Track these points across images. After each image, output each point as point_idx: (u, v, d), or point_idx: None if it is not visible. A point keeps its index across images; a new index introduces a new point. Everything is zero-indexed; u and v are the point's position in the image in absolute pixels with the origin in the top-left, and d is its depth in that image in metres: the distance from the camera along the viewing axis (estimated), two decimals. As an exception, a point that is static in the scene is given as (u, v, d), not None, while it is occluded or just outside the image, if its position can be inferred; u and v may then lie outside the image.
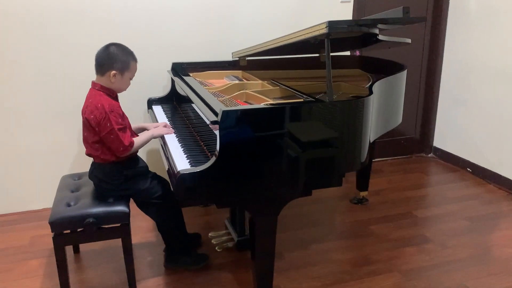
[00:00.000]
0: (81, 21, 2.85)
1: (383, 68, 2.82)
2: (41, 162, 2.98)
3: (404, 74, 2.64)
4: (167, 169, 1.92)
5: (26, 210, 3.03)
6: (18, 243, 2.63)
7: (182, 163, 1.83)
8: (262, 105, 1.84)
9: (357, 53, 3.48)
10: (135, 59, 2.09)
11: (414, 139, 4.11)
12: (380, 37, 2.08)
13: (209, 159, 1.82)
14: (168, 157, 1.97)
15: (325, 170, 1.85)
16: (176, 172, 1.71)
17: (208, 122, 1.87)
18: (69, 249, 2.45)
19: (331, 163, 1.84)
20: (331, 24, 1.69)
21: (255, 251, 1.91)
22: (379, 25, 1.98)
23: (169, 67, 2.96)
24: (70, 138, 2.96)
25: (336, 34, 1.92)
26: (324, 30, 1.71)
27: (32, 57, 2.81)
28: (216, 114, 1.74)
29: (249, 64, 2.99)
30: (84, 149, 2.11)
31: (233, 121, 1.65)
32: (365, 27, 1.86)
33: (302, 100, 2.04)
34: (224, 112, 1.64)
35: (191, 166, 1.80)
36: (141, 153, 3.13)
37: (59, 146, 2.98)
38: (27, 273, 2.34)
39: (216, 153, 1.66)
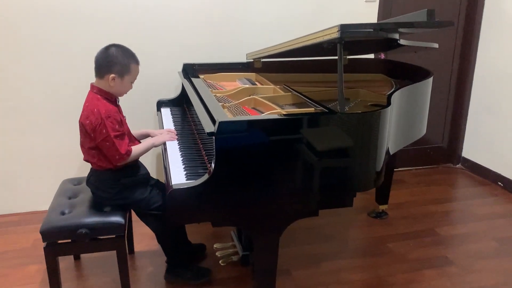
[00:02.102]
0: (88, 21, 2.76)
1: (408, 74, 2.61)
2: (45, 164, 2.92)
3: (429, 81, 2.42)
4: (164, 179, 1.80)
5: (29, 211, 2.98)
6: (20, 246, 2.57)
7: (178, 176, 1.70)
8: (263, 116, 1.68)
9: (382, 56, 3.26)
10: (136, 62, 1.96)
11: (441, 148, 3.86)
12: (402, 41, 1.89)
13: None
14: (166, 167, 1.85)
15: (332, 190, 1.67)
16: (169, 185, 1.58)
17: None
18: (69, 256, 2.38)
19: (339, 182, 1.67)
20: (343, 28, 1.52)
21: (255, 269, 1.77)
22: (401, 29, 1.78)
23: (181, 68, 2.84)
24: (75, 140, 2.85)
25: (352, 38, 1.74)
26: (336, 35, 1.54)
27: (34, 58, 2.74)
28: (215, 124, 1.60)
29: (264, 66, 2.84)
30: (87, 152, 2.01)
31: (231, 133, 1.51)
32: (383, 31, 1.67)
33: (312, 109, 1.87)
34: (221, 123, 1.49)
35: (187, 179, 1.67)
36: (149, 158, 3.06)
37: (64, 147, 2.91)
38: (24, 279, 2.27)
39: (212, 167, 1.52)
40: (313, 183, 1.62)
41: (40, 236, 2.60)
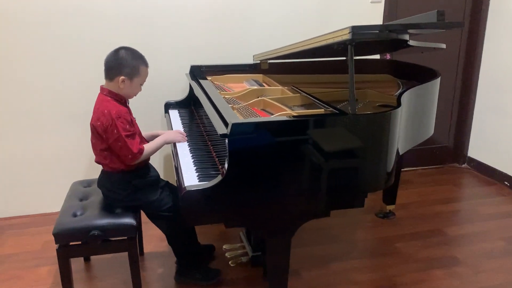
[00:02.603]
0: (96, 23, 2.78)
1: (415, 74, 2.61)
2: (54, 166, 2.94)
3: (437, 82, 2.43)
4: (176, 180, 1.81)
5: (38, 213, 2.99)
6: (31, 248, 2.58)
7: (190, 177, 1.71)
8: (276, 117, 1.69)
9: (388, 56, 3.27)
10: (146, 64, 1.98)
11: (447, 148, 3.86)
12: (411, 42, 1.89)
13: (220, 173, 1.70)
14: (177, 168, 1.86)
15: (345, 190, 1.68)
16: (183, 187, 1.59)
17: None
18: (79, 258, 2.40)
19: (351, 182, 1.68)
20: (355, 30, 1.53)
21: (267, 270, 1.77)
22: (410, 30, 1.79)
23: (188, 69, 2.85)
24: (85, 142, 2.87)
25: (363, 39, 1.75)
26: (347, 36, 1.55)
27: (44, 60, 2.76)
28: (227, 125, 1.61)
29: (270, 67, 2.84)
30: (97, 154, 2.03)
31: (244, 135, 1.51)
32: (393, 33, 1.68)
33: (322, 110, 1.88)
34: (234, 124, 1.50)
35: (199, 181, 1.68)
36: (157, 159, 3.07)
37: (73, 149, 2.93)
38: (36, 281, 2.28)
39: (224, 169, 1.53)
40: (325, 184, 1.63)
41: (50, 238, 2.62)
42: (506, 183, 3.45)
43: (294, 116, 1.70)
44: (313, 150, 1.59)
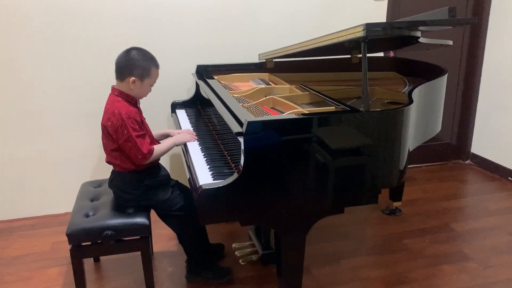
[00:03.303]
0: (103, 23, 2.77)
1: (421, 72, 2.63)
2: (63, 166, 2.93)
3: (444, 79, 2.44)
4: (188, 178, 1.82)
5: (45, 214, 2.98)
6: (39, 249, 2.58)
7: (204, 176, 1.71)
8: (291, 115, 1.69)
9: (391, 54, 3.28)
10: (157, 66, 1.98)
11: (450, 144, 3.88)
12: (421, 39, 1.90)
13: (233, 171, 1.70)
14: (190, 167, 1.86)
15: (359, 186, 1.69)
16: (198, 186, 1.59)
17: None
18: (89, 258, 2.39)
19: (365, 179, 1.68)
20: (369, 27, 1.54)
21: (281, 268, 1.78)
22: (421, 27, 1.80)
23: (194, 69, 2.85)
24: (93, 143, 2.89)
25: (376, 36, 1.75)
26: (361, 33, 1.55)
27: (52, 60, 2.75)
28: (241, 124, 1.61)
29: (276, 66, 2.85)
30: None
31: (260, 133, 1.52)
32: (406, 29, 1.69)
33: (333, 108, 1.89)
34: (249, 123, 1.51)
35: (214, 179, 1.68)
36: (164, 158, 3.06)
37: (81, 150, 2.93)
38: (46, 282, 2.28)
39: (241, 167, 1.53)
40: (339, 180, 1.64)
41: (59, 239, 2.66)
42: (510, 178, 3.47)
43: (308, 114, 1.70)
44: (328, 147, 1.59)
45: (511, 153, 3.46)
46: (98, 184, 2.30)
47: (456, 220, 2.88)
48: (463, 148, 3.89)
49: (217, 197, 1.53)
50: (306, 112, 1.86)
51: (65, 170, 2.94)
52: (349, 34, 1.64)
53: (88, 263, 2.40)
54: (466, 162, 3.90)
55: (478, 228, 2.78)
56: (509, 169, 3.47)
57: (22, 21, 2.65)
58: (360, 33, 1.57)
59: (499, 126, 3.55)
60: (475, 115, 3.78)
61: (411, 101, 1.83)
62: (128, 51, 1.92)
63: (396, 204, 2.96)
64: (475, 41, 3.62)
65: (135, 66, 1.91)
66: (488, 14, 3.53)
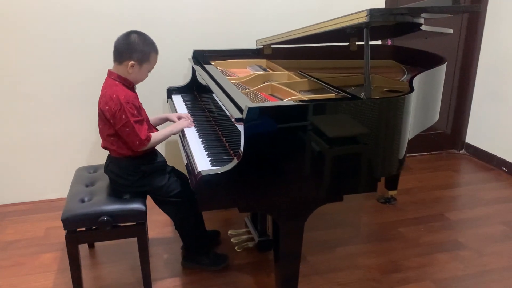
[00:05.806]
0: (100, 7, 2.71)
1: (420, 60, 2.61)
2: (57, 151, 2.89)
3: (443, 67, 2.43)
4: (185, 164, 1.80)
5: (40, 199, 2.95)
6: (33, 235, 2.55)
7: (203, 162, 1.69)
8: (292, 101, 1.67)
9: (389, 42, 3.26)
10: (156, 51, 1.94)
11: (445, 134, 3.89)
12: (423, 27, 1.88)
13: (232, 158, 1.69)
14: (187, 152, 1.84)
15: (358, 174, 1.68)
16: (196, 172, 1.57)
17: (232, 119, 1.72)
18: (83, 244, 2.37)
19: (365, 166, 1.67)
20: (373, 13, 1.51)
21: (279, 254, 1.78)
22: (423, 14, 1.78)
23: (190, 54, 2.81)
24: (88, 127, 2.85)
25: (375, 23, 1.73)
26: (364, 19, 1.53)
27: (47, 43, 2.70)
28: (240, 110, 1.59)
29: (273, 52, 2.82)
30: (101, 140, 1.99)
31: (260, 119, 1.50)
32: (409, 16, 1.66)
33: (334, 95, 1.87)
34: (250, 109, 1.49)
35: (212, 166, 1.66)
36: (160, 145, 3.03)
37: (76, 135, 2.89)
38: (40, 267, 2.26)
39: (240, 152, 1.52)
40: (339, 168, 1.63)
41: (52, 225, 2.63)
42: (504, 168, 3.49)
43: (310, 100, 1.68)
44: (328, 134, 1.58)
45: (505, 143, 3.48)
46: (93, 169, 2.27)
47: (450, 209, 2.90)
48: (458, 138, 3.90)
49: (217, 184, 1.51)
50: (305, 99, 1.84)
51: (59, 155, 2.90)
52: (351, 20, 1.62)
53: (83, 248, 2.37)
54: (461, 152, 3.92)
55: (472, 217, 2.80)
56: (503, 159, 3.50)
57: (16, 4, 2.58)
58: (363, 19, 1.54)
59: (494, 116, 3.56)
60: (470, 105, 3.79)
61: (412, 89, 1.81)
62: (128, 34, 1.88)
63: (391, 192, 2.97)
64: (472, 30, 3.61)
65: (135, 50, 1.87)
66: (486, 3, 3.51)
